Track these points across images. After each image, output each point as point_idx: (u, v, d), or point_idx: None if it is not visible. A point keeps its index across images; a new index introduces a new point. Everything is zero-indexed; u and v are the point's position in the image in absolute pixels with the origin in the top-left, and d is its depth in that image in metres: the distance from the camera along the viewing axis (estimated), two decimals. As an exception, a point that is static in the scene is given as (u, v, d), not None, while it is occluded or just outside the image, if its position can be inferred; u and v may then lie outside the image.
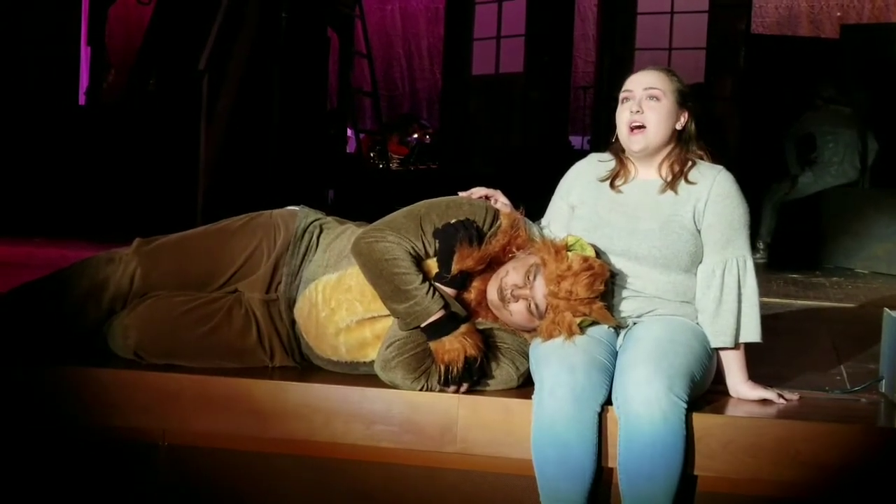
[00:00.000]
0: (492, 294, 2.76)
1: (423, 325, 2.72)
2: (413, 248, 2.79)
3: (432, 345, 2.71)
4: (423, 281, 2.74)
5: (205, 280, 3.01)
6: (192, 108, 7.84)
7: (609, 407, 2.62)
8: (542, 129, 10.49)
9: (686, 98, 2.87)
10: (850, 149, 7.79)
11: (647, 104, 2.83)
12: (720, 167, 2.87)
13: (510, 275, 2.73)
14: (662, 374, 2.55)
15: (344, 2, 10.34)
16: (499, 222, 2.85)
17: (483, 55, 10.82)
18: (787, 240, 7.86)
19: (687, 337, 2.72)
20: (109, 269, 3.00)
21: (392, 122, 13.36)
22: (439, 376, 2.71)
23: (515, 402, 2.71)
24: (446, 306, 2.73)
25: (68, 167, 8.35)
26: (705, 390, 2.78)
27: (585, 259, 2.69)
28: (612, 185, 2.90)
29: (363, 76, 12.91)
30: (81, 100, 10.28)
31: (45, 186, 8.28)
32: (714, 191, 2.81)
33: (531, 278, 2.71)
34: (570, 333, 2.68)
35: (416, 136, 13.18)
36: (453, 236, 2.76)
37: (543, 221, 3.05)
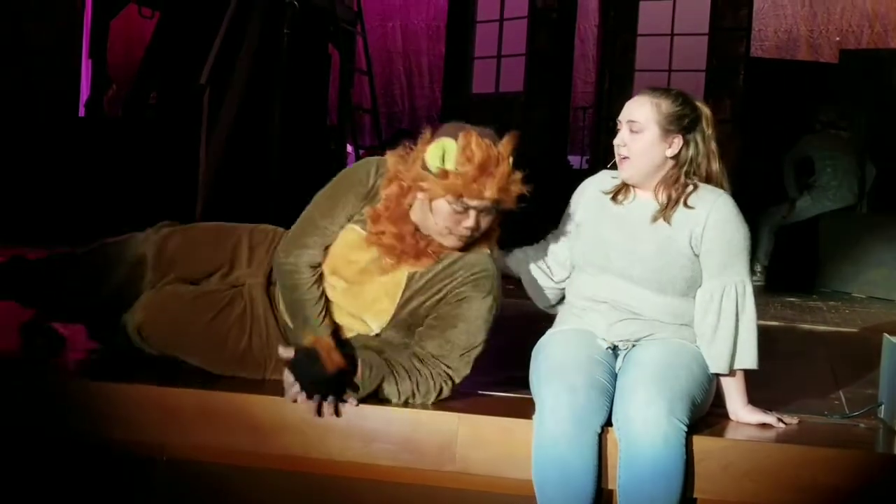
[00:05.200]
0: (435, 228, 2.78)
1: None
2: (315, 252, 2.90)
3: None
4: (321, 310, 2.87)
5: (214, 250, 3.12)
6: (192, 123, 7.86)
7: (609, 428, 2.62)
8: (541, 148, 10.50)
9: (679, 123, 2.82)
10: (849, 173, 7.81)
11: (629, 136, 2.83)
12: (720, 191, 2.85)
13: (465, 222, 2.74)
14: (663, 396, 2.55)
15: (345, 19, 10.38)
16: (384, 169, 2.89)
17: (483, 74, 10.84)
18: (785, 263, 7.86)
19: (687, 360, 2.72)
20: (133, 241, 3.20)
21: (390, 138, 13.38)
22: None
23: (515, 422, 2.71)
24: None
25: (68, 179, 8.36)
26: (704, 413, 2.78)
27: (482, 160, 2.70)
28: (614, 199, 2.90)
29: (363, 93, 12.96)
30: (81, 112, 10.30)
31: (44, 198, 8.28)
32: (712, 216, 2.79)
33: (483, 216, 2.75)
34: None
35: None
36: (307, 366, 2.74)
37: (552, 237, 3.05)
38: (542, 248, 3.03)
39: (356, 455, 2.76)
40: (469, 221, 2.75)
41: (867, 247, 7.41)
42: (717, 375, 2.81)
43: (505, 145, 2.73)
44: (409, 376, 2.80)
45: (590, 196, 2.97)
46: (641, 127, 2.81)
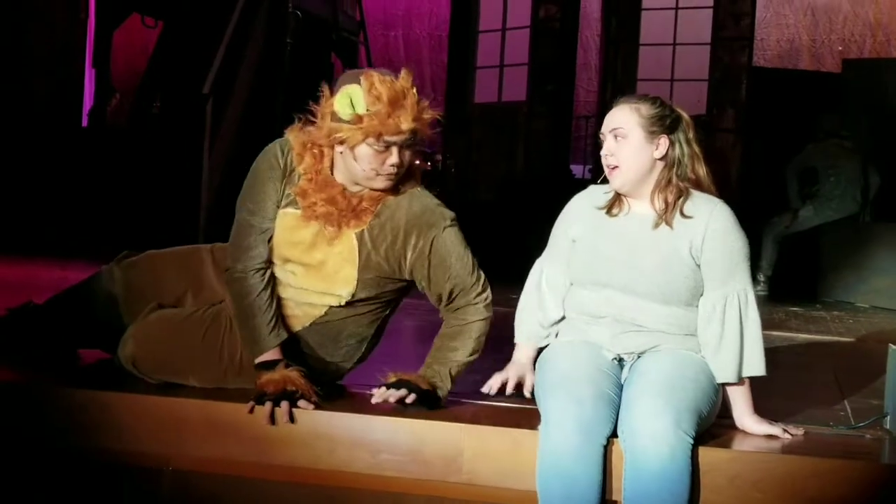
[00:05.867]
0: (363, 174, 2.83)
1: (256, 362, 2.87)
2: (260, 251, 2.92)
3: (264, 376, 2.82)
4: (271, 317, 2.88)
5: (179, 273, 3.13)
6: (196, 131, 7.87)
7: (614, 440, 2.61)
8: (543, 157, 10.51)
9: (661, 124, 2.82)
10: (852, 182, 7.82)
11: (615, 145, 2.82)
12: (717, 200, 2.84)
13: (389, 159, 2.79)
14: (670, 408, 2.54)
15: (348, 28, 10.40)
16: (289, 148, 2.95)
17: (486, 83, 10.86)
18: (788, 273, 7.87)
19: (694, 371, 2.71)
20: (98, 280, 3.19)
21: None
22: (257, 396, 2.80)
23: (522, 433, 2.71)
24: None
25: (71, 188, 8.37)
26: (711, 424, 2.77)
27: (391, 96, 2.76)
28: (609, 213, 2.88)
29: (366, 102, 12.92)
30: (84, 121, 10.32)
31: (47, 207, 8.29)
32: (711, 226, 2.78)
33: (404, 150, 2.82)
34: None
35: (417, 162, 13.22)
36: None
37: (544, 261, 3.01)
38: (543, 299, 2.98)
39: (363, 466, 2.75)
40: (393, 158, 2.80)
41: (870, 256, 7.42)
42: (723, 385, 2.80)
43: (405, 78, 2.82)
44: (465, 338, 2.90)
45: (583, 212, 2.94)
46: (626, 132, 2.81)
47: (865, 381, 3.83)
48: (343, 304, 2.94)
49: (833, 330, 5.81)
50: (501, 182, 10.46)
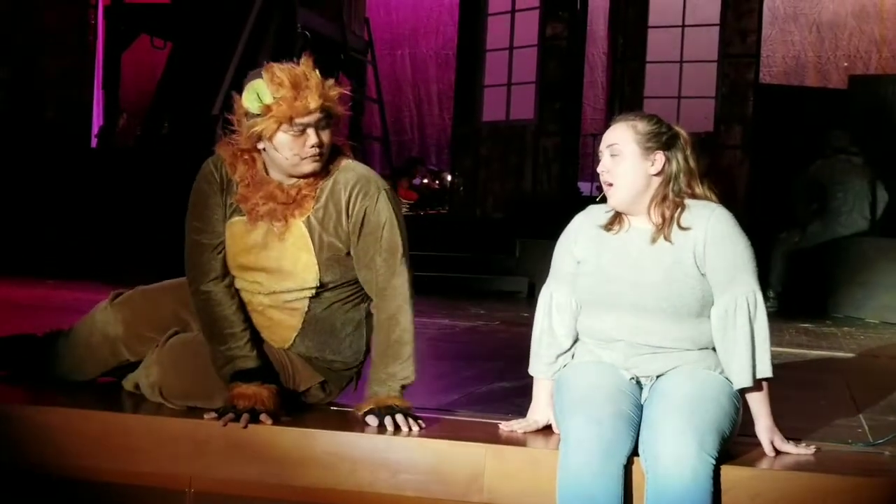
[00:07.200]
0: (288, 162, 2.89)
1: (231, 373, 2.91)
2: (215, 265, 2.99)
3: (238, 388, 2.86)
4: (243, 334, 2.95)
5: (179, 304, 3.14)
6: (205, 153, 7.88)
7: (634, 458, 2.62)
8: (551, 175, 10.55)
9: (657, 141, 2.81)
10: (860, 199, 7.83)
11: (611, 162, 2.83)
12: (714, 205, 2.82)
13: (307, 141, 2.87)
14: (693, 430, 2.54)
15: (356, 47, 10.46)
16: (221, 161, 2.99)
17: (494, 102, 10.89)
18: (797, 289, 7.87)
19: (714, 391, 2.70)
20: (95, 324, 3.21)
21: (402, 166, 13.43)
22: (224, 409, 2.84)
23: (543, 453, 2.72)
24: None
25: (80, 209, 8.39)
26: (731, 444, 2.77)
27: (292, 80, 2.83)
28: (609, 229, 2.88)
29: (373, 121, 13.03)
30: (94, 142, 10.36)
31: (56, 227, 8.31)
32: (710, 233, 2.77)
33: (321, 130, 2.89)
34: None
35: (425, 180, 13.28)
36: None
37: (550, 285, 2.98)
38: (554, 327, 2.96)
39: (384, 487, 2.76)
40: (311, 139, 2.87)
41: (879, 272, 7.44)
42: (742, 392, 2.78)
43: (305, 63, 2.88)
44: (403, 350, 2.93)
45: (584, 231, 2.93)
46: (621, 149, 2.81)
47: (881, 397, 3.83)
48: (316, 292, 3.00)
49: (845, 346, 5.81)
50: (509, 200, 10.49)
